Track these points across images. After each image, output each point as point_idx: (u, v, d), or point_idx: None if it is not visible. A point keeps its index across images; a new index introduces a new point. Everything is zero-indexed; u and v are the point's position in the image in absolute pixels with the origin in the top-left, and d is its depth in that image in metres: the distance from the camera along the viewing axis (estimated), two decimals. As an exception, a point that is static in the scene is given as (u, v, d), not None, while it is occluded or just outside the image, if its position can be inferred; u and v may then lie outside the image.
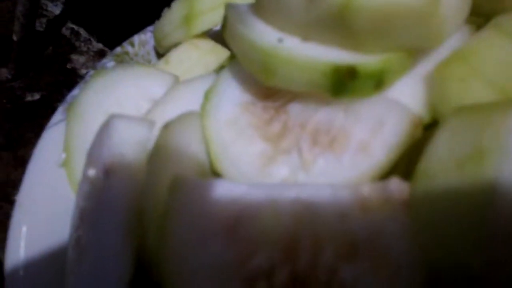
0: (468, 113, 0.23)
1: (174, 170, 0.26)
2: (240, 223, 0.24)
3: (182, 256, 0.23)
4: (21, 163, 0.44)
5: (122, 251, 0.25)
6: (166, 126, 0.28)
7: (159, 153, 0.27)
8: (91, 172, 0.29)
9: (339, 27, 0.26)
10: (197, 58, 0.43)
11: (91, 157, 0.30)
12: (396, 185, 0.24)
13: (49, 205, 0.38)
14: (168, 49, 0.46)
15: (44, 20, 0.62)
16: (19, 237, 0.35)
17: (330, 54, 0.27)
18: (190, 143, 0.28)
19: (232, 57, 0.37)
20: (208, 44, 0.44)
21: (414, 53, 0.28)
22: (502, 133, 0.21)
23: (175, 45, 0.45)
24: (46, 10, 0.63)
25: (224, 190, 0.25)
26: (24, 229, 0.36)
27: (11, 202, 0.42)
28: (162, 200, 0.25)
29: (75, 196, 0.35)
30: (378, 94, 0.28)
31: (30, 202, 0.38)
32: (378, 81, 0.27)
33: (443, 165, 0.22)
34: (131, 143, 0.28)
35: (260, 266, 0.23)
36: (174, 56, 0.43)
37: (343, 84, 0.27)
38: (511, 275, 0.20)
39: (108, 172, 0.27)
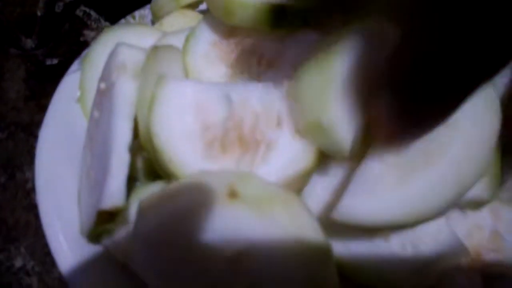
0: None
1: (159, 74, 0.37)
2: (202, 105, 0.36)
3: (164, 125, 0.35)
4: (43, 108, 0.53)
5: (125, 128, 0.37)
6: (156, 47, 0.40)
7: (148, 64, 0.38)
8: (103, 85, 0.41)
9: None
10: (184, 23, 0.55)
11: (103, 75, 0.42)
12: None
13: (67, 130, 0.49)
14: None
15: (61, 4, 0.75)
16: (45, 158, 0.45)
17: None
18: (171, 63, 0.40)
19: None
20: (194, 13, 0.56)
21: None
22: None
23: (168, 15, 0.57)
24: (63, -4, 0.76)
25: (191, 84, 0.37)
26: (47, 150, 0.46)
27: (35, 136, 0.51)
28: (150, 93, 0.36)
29: (87, 123, 0.46)
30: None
31: (51, 131, 0.49)
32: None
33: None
34: (130, 61, 0.40)
35: (216, 132, 0.35)
36: (166, 21, 0.55)
37: (278, 20, 0.39)
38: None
39: (115, 81, 0.39)
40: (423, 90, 0.21)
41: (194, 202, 0.30)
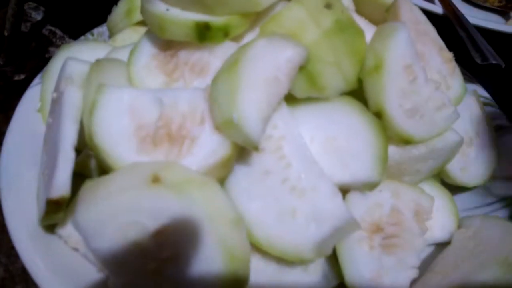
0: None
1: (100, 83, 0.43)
2: (136, 108, 0.42)
3: (102, 125, 0.41)
4: (10, 120, 0.57)
5: (71, 129, 0.42)
6: (98, 60, 0.46)
7: (91, 75, 0.44)
8: (54, 94, 0.47)
9: (199, 2, 0.45)
10: (136, 38, 0.61)
11: (55, 86, 0.48)
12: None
13: (29, 136, 0.54)
14: (117, 35, 0.64)
15: (28, 24, 0.81)
16: (8, 161, 0.50)
17: (195, 17, 0.45)
18: (115, 73, 0.46)
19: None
20: (143, 30, 0.62)
21: (248, 15, 0.46)
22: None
23: (121, 31, 0.63)
24: (30, 17, 0.82)
25: (127, 91, 0.43)
26: (10, 154, 0.51)
27: (2, 145, 0.54)
28: (92, 99, 0.42)
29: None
30: (226, 40, 0.46)
31: (14, 137, 0.54)
32: (225, 33, 0.46)
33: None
34: (77, 73, 0.46)
35: (148, 130, 0.41)
36: (119, 37, 0.61)
37: (203, 34, 0.45)
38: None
39: (63, 91, 0.45)
40: None
41: (123, 187, 0.36)
